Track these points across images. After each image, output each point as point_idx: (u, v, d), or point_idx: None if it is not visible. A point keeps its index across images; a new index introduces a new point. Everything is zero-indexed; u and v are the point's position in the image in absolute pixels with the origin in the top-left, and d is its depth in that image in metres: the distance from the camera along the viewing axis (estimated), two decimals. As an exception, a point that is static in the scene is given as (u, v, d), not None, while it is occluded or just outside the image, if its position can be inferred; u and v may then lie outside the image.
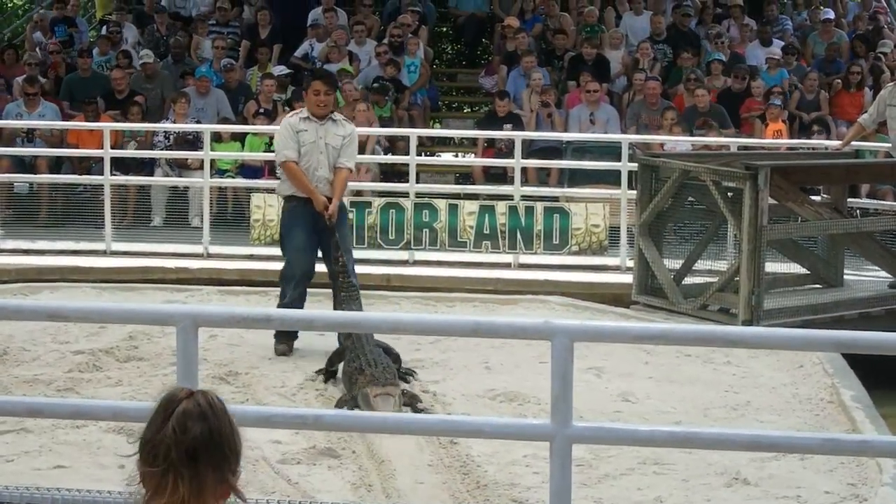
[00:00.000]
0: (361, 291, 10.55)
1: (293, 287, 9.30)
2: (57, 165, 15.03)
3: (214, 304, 10.74)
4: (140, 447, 2.40)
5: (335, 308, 9.08)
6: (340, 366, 8.45)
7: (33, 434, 7.21)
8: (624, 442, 4.58)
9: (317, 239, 9.24)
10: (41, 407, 4.86)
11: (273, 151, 14.23)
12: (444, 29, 21.49)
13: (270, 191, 13.03)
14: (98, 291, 11.57)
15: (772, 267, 10.80)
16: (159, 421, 2.40)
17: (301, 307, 9.20)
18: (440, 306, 11.30)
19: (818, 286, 11.55)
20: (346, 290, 9.02)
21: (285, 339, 9.31)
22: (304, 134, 9.17)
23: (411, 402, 7.91)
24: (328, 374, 8.59)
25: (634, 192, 11.83)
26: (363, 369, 7.92)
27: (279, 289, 9.58)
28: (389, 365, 8.10)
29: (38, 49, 17.34)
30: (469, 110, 21.08)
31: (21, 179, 14.49)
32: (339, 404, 7.88)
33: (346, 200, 10.39)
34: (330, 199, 9.12)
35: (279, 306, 9.28)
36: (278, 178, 14.14)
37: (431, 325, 4.80)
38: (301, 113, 9.32)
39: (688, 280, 11.15)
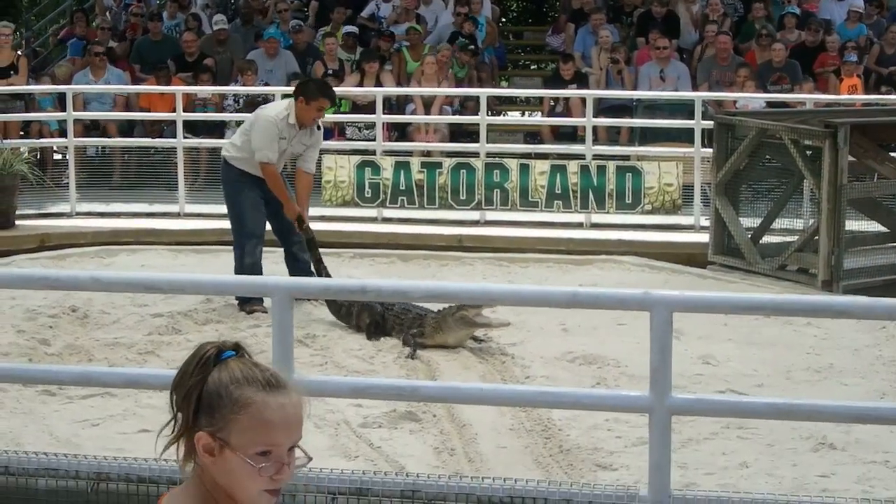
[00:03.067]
0: (433, 252, 11.46)
1: (253, 244, 9.53)
2: (128, 129, 15.12)
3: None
4: (174, 389, 2.44)
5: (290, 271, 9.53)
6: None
7: (117, 398, 7.26)
8: (725, 414, 4.54)
9: (265, 202, 9.51)
10: (137, 378, 4.88)
11: (342, 112, 14.43)
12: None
13: (341, 152, 13.06)
14: (174, 254, 11.67)
15: (852, 226, 10.62)
16: (187, 367, 2.43)
17: (260, 265, 9.50)
18: (513, 267, 11.26)
19: (899, 245, 11.35)
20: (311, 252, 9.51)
21: (252, 302, 9.36)
22: (283, 142, 9.36)
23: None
24: (412, 347, 8.53)
25: (708, 150, 11.71)
26: (422, 314, 8.47)
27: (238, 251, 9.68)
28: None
29: (108, 13, 17.42)
30: (536, 68, 20.92)
31: (96, 143, 14.63)
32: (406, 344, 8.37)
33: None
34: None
35: (239, 268, 9.48)
36: (347, 139, 14.31)
37: (529, 297, 4.75)
38: (289, 118, 9.36)
39: (765, 240, 11.03)
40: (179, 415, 2.39)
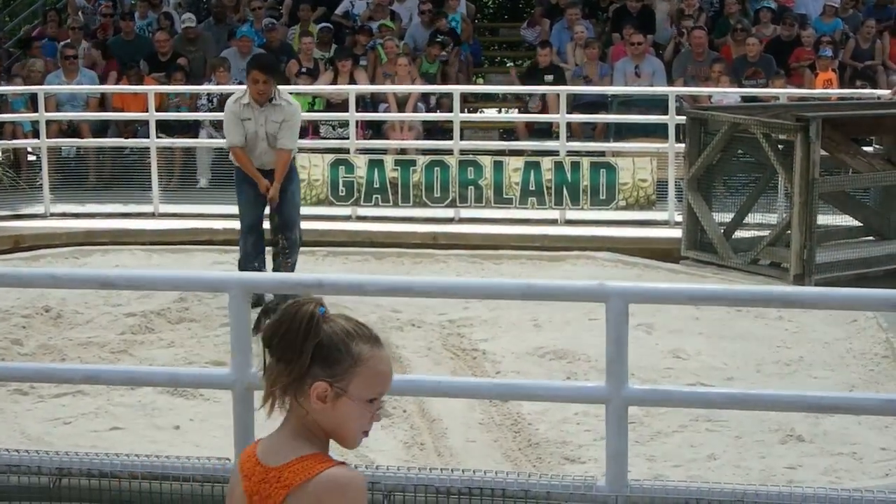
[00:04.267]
0: (407, 250, 11.32)
1: (245, 237, 9.72)
2: (101, 130, 15.08)
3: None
4: (271, 343, 2.66)
5: (274, 267, 9.68)
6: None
7: (90, 396, 7.27)
8: (680, 404, 4.55)
9: (264, 197, 9.67)
10: (97, 373, 4.88)
11: (316, 111, 14.42)
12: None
13: (315, 150, 13.05)
14: (148, 254, 11.64)
15: (824, 220, 10.65)
16: (290, 323, 2.64)
17: (259, 257, 9.68)
18: (487, 264, 11.27)
19: (871, 239, 11.39)
20: (282, 255, 9.64)
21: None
22: (248, 123, 9.50)
23: None
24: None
25: (682, 145, 11.72)
26: None
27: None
28: None
29: (80, 13, 17.36)
30: (512, 64, 20.93)
31: (70, 143, 14.56)
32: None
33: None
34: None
35: (240, 259, 9.74)
36: (321, 137, 14.32)
37: (481, 289, 4.76)
38: (243, 99, 9.55)
39: (738, 234, 11.05)
40: (280, 365, 2.62)
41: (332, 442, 2.65)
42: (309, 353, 2.61)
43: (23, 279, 4.82)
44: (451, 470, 3.96)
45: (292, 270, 9.63)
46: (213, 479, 4.12)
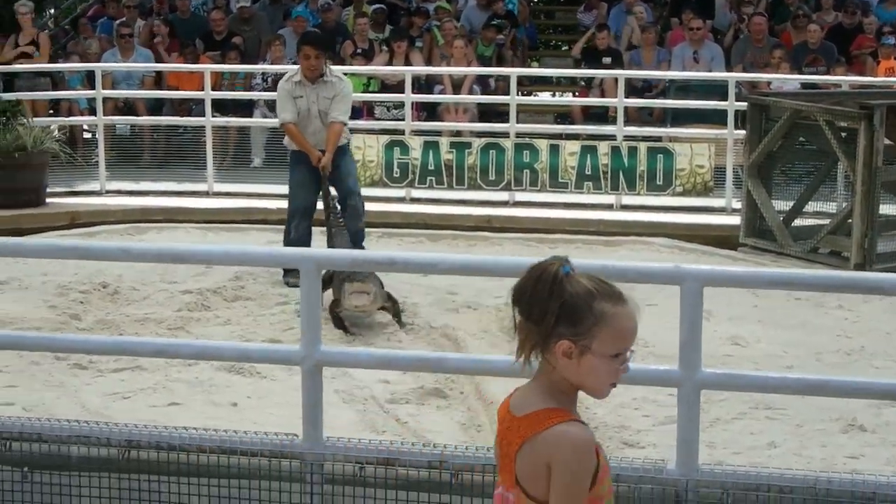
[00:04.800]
0: (462, 232, 11.29)
1: (296, 221, 9.67)
2: (156, 108, 15.14)
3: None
4: (520, 303, 2.79)
5: (328, 242, 9.56)
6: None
7: (148, 372, 7.30)
8: (753, 389, 4.49)
9: (317, 182, 9.66)
10: (166, 347, 4.88)
11: (371, 92, 14.41)
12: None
13: (369, 132, 13.03)
14: (203, 232, 11.68)
15: (886, 209, 10.51)
16: (535, 284, 2.77)
17: (308, 242, 9.55)
18: (542, 247, 11.20)
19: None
20: (335, 226, 9.55)
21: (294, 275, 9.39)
22: (300, 100, 9.55)
23: (393, 309, 8.49)
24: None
25: (740, 132, 11.61)
26: (351, 278, 8.33)
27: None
28: (375, 276, 8.41)
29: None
30: (567, 48, 20.79)
31: (126, 121, 14.66)
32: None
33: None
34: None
35: (285, 243, 9.68)
36: (376, 118, 14.31)
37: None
38: (295, 77, 9.61)
39: (797, 222, 10.93)
40: (528, 324, 2.76)
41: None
42: (554, 314, 2.72)
43: (94, 252, 4.82)
44: (520, 451, 3.91)
45: (361, 237, 9.67)
46: (280, 454, 4.11)
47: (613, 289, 2.79)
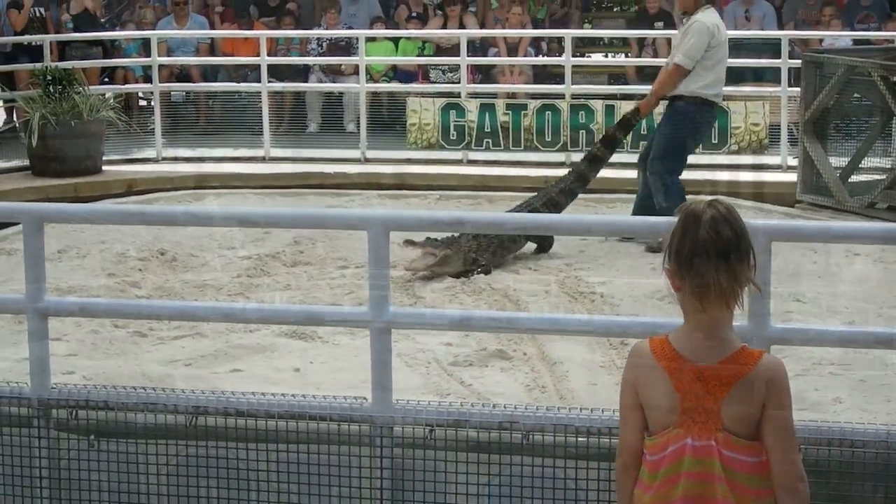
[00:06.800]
0: (519, 194, 11.05)
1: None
2: (211, 75, 15.22)
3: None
4: (675, 253, 3.10)
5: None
6: None
7: (208, 339, 7.29)
8: (822, 343, 4.49)
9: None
10: (234, 312, 4.91)
11: (426, 55, 14.40)
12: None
13: (426, 95, 13.05)
14: (261, 198, 11.74)
15: (943, 164, 10.43)
16: (692, 229, 3.10)
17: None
18: (600, 207, 11.22)
19: None
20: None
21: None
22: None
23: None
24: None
25: (794, 89, 11.52)
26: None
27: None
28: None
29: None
30: (619, 10, 20.66)
31: (181, 88, 14.75)
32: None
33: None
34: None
35: (667, 201, 9.32)
36: (431, 82, 14.29)
37: (628, 227, 4.67)
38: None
39: (854, 178, 10.85)
40: (732, 266, 3.09)
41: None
42: (751, 249, 3.12)
43: (164, 217, 4.86)
44: (591, 410, 3.94)
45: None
46: (349, 418, 4.13)
47: None
